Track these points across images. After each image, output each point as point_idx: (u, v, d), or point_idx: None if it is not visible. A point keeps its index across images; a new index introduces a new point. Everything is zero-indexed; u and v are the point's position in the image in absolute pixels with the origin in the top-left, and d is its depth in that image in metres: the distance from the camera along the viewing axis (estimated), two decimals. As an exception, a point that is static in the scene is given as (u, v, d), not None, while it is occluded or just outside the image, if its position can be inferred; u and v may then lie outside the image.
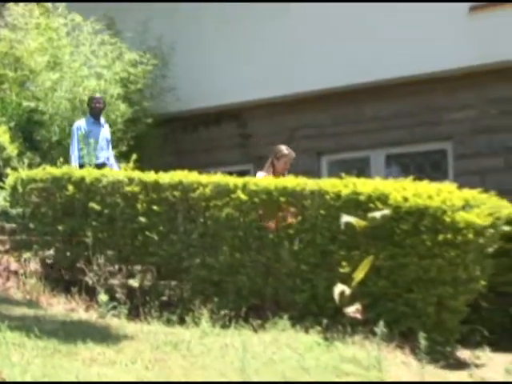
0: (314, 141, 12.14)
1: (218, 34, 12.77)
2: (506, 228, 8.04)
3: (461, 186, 7.93)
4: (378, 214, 7.42)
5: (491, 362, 7.53)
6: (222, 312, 7.89)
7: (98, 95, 11.31)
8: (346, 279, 7.08)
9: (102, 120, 11.19)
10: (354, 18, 11.46)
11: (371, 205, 7.68)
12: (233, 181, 8.62)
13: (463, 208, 7.53)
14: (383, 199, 7.69)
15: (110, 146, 11.32)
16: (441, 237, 7.43)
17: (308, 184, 8.28)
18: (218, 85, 12.62)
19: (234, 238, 8.43)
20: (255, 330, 7.56)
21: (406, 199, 7.62)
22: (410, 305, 7.53)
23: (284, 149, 9.99)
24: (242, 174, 9.61)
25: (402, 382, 5.69)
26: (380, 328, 6.62)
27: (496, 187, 8.57)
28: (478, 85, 10.73)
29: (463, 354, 7.71)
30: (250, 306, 8.18)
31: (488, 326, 8.00)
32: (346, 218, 7.47)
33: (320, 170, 11.98)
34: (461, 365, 7.40)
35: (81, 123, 11.11)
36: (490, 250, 7.72)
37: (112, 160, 11.28)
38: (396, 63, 11.02)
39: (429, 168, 11.18)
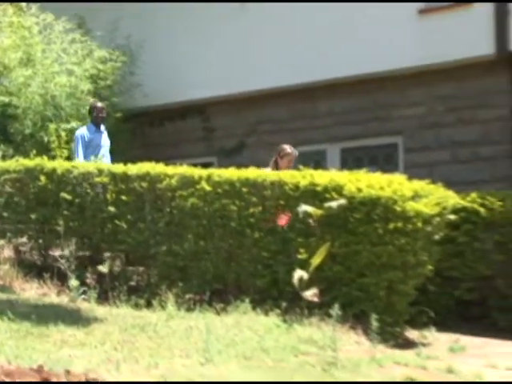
0: (274, 135, 12.12)
1: (183, 34, 12.70)
2: (452, 217, 8.12)
3: (410, 178, 7.99)
4: (333, 204, 7.44)
5: (437, 342, 7.62)
6: (187, 296, 7.88)
7: (100, 104, 10.53)
8: (304, 265, 7.07)
9: (102, 127, 10.48)
10: (309, 19, 11.45)
11: (327, 195, 7.71)
12: (197, 172, 8.61)
13: (412, 198, 7.58)
14: (338, 190, 7.72)
15: (108, 152, 10.62)
16: (392, 225, 7.48)
17: (268, 175, 8.29)
18: (183, 81, 12.57)
19: (198, 226, 8.42)
20: (218, 313, 7.56)
21: (359, 190, 7.66)
22: (363, 289, 7.58)
23: (287, 148, 9.75)
24: (206, 165, 9.57)
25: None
26: (335, 310, 6.63)
27: (443, 179, 8.64)
28: (425, 83, 10.79)
29: (411, 333, 7.78)
30: (214, 291, 8.18)
31: (434, 307, 8.09)
32: (304, 208, 7.49)
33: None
34: (409, 344, 7.47)
35: (83, 131, 10.30)
36: (437, 237, 7.80)
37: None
38: (350, 62, 11.04)
39: (381, 160, 11.23)
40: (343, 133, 11.52)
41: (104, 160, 10.01)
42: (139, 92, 12.50)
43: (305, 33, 11.50)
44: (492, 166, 10.28)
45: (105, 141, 10.42)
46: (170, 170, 8.79)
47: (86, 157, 10.00)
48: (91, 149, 10.12)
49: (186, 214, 8.48)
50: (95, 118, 10.34)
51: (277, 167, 9.46)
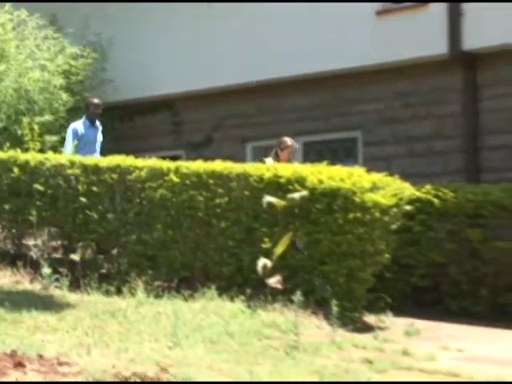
0: (240, 129, 12.13)
1: (152, 32, 12.64)
2: (408, 207, 8.18)
3: (369, 170, 8.03)
4: (296, 195, 7.47)
5: (393, 326, 7.67)
6: (156, 283, 7.87)
7: (97, 101, 10.28)
8: (268, 253, 7.10)
9: (98, 123, 10.29)
10: (275, 18, 11.44)
11: (290, 187, 7.73)
12: (166, 164, 8.59)
13: (371, 190, 7.62)
14: (301, 182, 7.74)
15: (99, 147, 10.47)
16: (351, 215, 7.52)
17: (234, 168, 8.29)
18: (152, 77, 12.52)
19: (166, 216, 8.40)
20: (186, 300, 7.55)
21: (321, 182, 7.68)
22: (324, 276, 7.60)
23: (288, 140, 9.60)
24: (174, 158, 9.56)
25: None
26: (297, 297, 6.66)
27: (399, 171, 8.69)
28: (384, 81, 10.84)
29: (369, 318, 7.82)
30: (181, 278, 8.17)
31: (391, 293, 8.14)
32: (268, 199, 7.50)
33: (245, 156, 11.98)
34: (367, 328, 7.51)
35: (77, 126, 10.14)
36: (394, 226, 7.85)
37: None
38: (313, 60, 11.06)
39: (341, 154, 11.27)
40: (306, 127, 11.55)
41: (95, 155, 9.84)
42: (110, 87, 12.43)
43: (271, 31, 11.49)
44: (445, 159, 10.36)
45: (98, 136, 10.31)
46: (140, 162, 8.76)
47: (78, 151, 9.79)
48: (84, 143, 9.97)
49: (154, 204, 8.46)
50: (91, 114, 10.16)
51: (277, 159, 9.37)
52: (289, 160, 9.35)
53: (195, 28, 12.20)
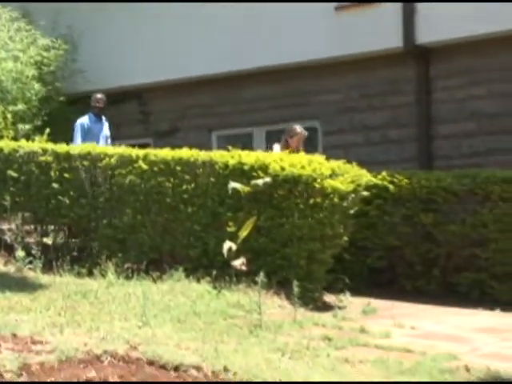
0: (205, 118, 12.09)
1: (121, 24, 12.52)
2: (365, 193, 8.21)
3: (328, 158, 8.05)
4: (259, 182, 7.47)
5: (351, 305, 7.71)
6: (126, 265, 7.83)
7: (100, 95, 10.10)
8: (233, 237, 7.11)
9: (104, 118, 10.10)
10: (236, 13, 11.39)
11: (254, 173, 7.72)
12: (135, 152, 8.55)
13: (330, 176, 7.64)
14: (264, 169, 7.73)
15: (109, 141, 10.18)
16: (312, 201, 7.53)
17: (200, 155, 8.27)
18: (122, 68, 12.41)
19: (136, 201, 8.37)
20: (154, 281, 7.53)
21: (283, 169, 7.68)
22: (286, 258, 7.62)
23: (297, 128, 9.40)
24: (143, 146, 9.48)
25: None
26: (260, 278, 6.65)
27: (356, 159, 8.72)
28: (341, 72, 10.85)
29: (329, 298, 7.87)
30: (150, 260, 8.15)
31: (349, 274, 8.19)
32: (232, 185, 7.50)
33: (210, 144, 11.94)
34: (327, 307, 7.55)
35: (84, 120, 9.99)
36: (352, 211, 7.88)
37: None
38: (274, 53, 11.03)
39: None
40: (268, 117, 11.54)
41: None
42: (81, 78, 12.30)
43: (232, 26, 11.44)
44: (399, 147, 10.42)
45: (105, 131, 10.10)
46: (110, 150, 8.75)
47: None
48: (90, 137, 9.75)
49: (124, 190, 8.42)
50: (94, 108, 10.02)
51: (287, 147, 9.17)
52: (298, 147, 9.13)
53: (161, 23, 12.10)
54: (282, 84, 11.36)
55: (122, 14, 12.56)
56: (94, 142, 9.37)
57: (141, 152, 8.53)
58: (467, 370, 5.10)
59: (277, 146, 9.24)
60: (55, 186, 8.67)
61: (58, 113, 12.27)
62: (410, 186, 8.83)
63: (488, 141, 9.63)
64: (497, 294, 8.15)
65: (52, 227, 8.81)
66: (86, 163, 8.61)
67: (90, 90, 12.49)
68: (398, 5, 10.19)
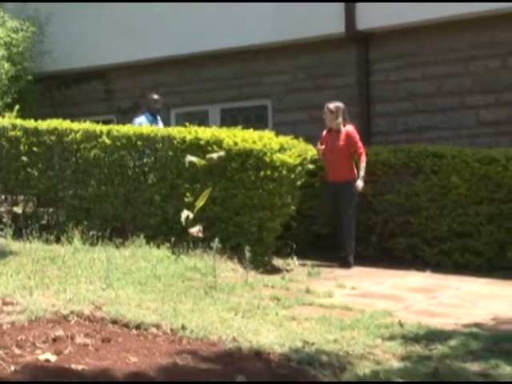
0: (165, 97, 11.90)
1: (86, 8, 12.26)
2: (311, 166, 8.25)
3: (277, 134, 8.05)
4: (214, 155, 7.46)
5: (298, 268, 7.78)
6: (91, 233, 7.76)
7: (156, 96, 9.55)
8: (190, 206, 7.10)
9: (158, 117, 9.56)
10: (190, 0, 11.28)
11: (209, 148, 7.70)
12: (99, 128, 8.47)
13: (279, 151, 7.66)
14: (218, 143, 7.72)
15: None
16: (262, 173, 7.55)
17: (160, 131, 8.23)
18: (86, 49, 12.18)
19: (100, 174, 8.30)
20: (117, 247, 7.50)
21: (235, 143, 7.67)
22: (238, 226, 7.64)
23: (326, 105, 8.51)
24: (106, 122, 9.37)
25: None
26: (215, 244, 6.68)
27: (303, 135, 8.73)
28: (290, 55, 10.82)
29: (278, 262, 7.91)
30: (113, 228, 8.10)
31: (296, 240, 8.23)
32: (189, 158, 7.48)
33: (169, 121, 11.85)
34: (275, 270, 7.60)
35: (142, 120, 9.28)
36: (299, 183, 7.91)
37: None
38: (229, 36, 10.93)
39: (253, 119, 11.25)
40: (223, 96, 11.47)
41: None
42: (48, 58, 12.05)
43: (192, 11, 11.29)
44: (343, 124, 10.45)
45: None
46: (76, 125, 8.62)
47: None
48: None
49: (89, 163, 8.34)
50: (151, 109, 9.45)
51: (330, 128, 8.47)
52: (331, 123, 8.39)
53: (124, 7, 11.89)
54: (237, 65, 11.30)
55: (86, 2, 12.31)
56: None
57: (104, 128, 8.45)
58: (401, 325, 5.19)
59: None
60: (24, 159, 8.56)
61: (26, 91, 12.05)
62: (351, 159, 8.89)
63: (421, 119, 9.73)
64: (427, 257, 8.29)
65: (22, 197, 8.70)
66: (53, 138, 8.50)
67: (57, 69, 12.35)
68: (342, -6, 10.17)
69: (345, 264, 8.11)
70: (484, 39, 9.52)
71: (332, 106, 8.39)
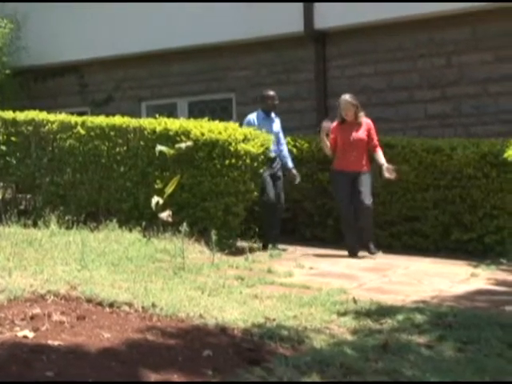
0: (136, 90, 11.87)
1: (61, 7, 12.08)
2: (272, 155, 8.25)
3: (241, 125, 8.04)
4: (182, 145, 7.43)
5: (260, 250, 7.79)
6: (66, 217, 7.70)
7: (272, 92, 8.39)
8: (160, 193, 7.06)
9: (273, 114, 8.43)
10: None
11: (178, 138, 7.68)
12: (74, 119, 8.41)
13: (243, 141, 7.65)
14: (186, 134, 7.69)
15: (283, 138, 8.48)
16: (227, 161, 7.54)
17: (131, 122, 8.17)
18: (61, 45, 12.01)
19: (75, 162, 8.24)
20: (92, 231, 7.44)
21: (202, 134, 7.66)
22: (205, 211, 7.63)
23: (342, 96, 7.94)
24: (81, 114, 9.29)
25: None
26: (184, 228, 6.66)
27: (266, 126, 8.73)
28: (253, 52, 10.79)
29: (242, 244, 7.92)
30: (88, 213, 8.05)
31: (259, 224, 8.25)
32: (159, 148, 7.44)
33: (140, 113, 11.76)
34: (240, 252, 7.59)
35: (253, 117, 8.33)
36: (261, 170, 7.91)
37: (285, 151, 8.46)
38: (197, 33, 10.88)
39: (219, 111, 11.22)
40: (190, 89, 11.42)
41: (273, 147, 8.08)
42: (25, 53, 11.86)
43: (162, 9, 11.18)
44: (301, 117, 10.48)
45: (275, 127, 8.37)
46: (52, 117, 8.55)
47: None
48: None
49: (65, 152, 8.28)
50: (267, 106, 8.32)
51: (343, 121, 7.87)
52: (350, 117, 7.80)
53: (98, 6, 11.74)
54: (204, 61, 11.25)
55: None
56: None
57: (79, 119, 8.38)
58: (355, 301, 5.24)
59: (327, 123, 8.02)
60: (3, 148, 8.47)
61: (4, 84, 11.86)
62: (309, 149, 8.93)
63: (374, 112, 9.74)
64: (379, 239, 8.35)
65: (1, 184, 8.58)
66: (30, 128, 8.42)
67: (34, 64, 12.17)
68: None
69: (368, 250, 7.71)
70: (430, 38, 9.61)
71: (352, 98, 7.83)
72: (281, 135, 8.44)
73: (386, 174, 7.72)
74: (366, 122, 7.89)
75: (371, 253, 7.70)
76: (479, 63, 9.32)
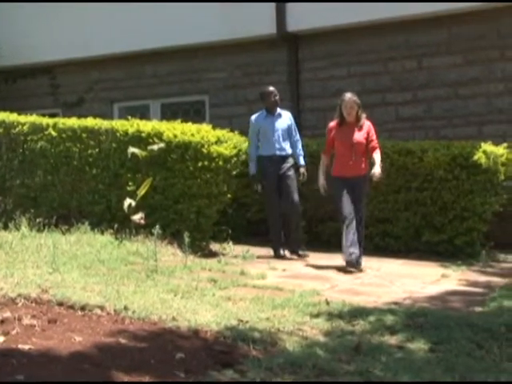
0: (108, 91, 11.80)
1: (33, 7, 11.98)
2: (245, 156, 8.26)
3: (214, 127, 8.04)
4: (155, 147, 7.40)
5: (233, 252, 7.79)
6: (38, 220, 7.62)
7: (271, 88, 7.94)
8: (132, 195, 7.03)
9: (278, 111, 7.92)
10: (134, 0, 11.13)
11: (150, 140, 7.65)
12: (45, 121, 8.33)
13: (216, 143, 7.65)
14: (159, 136, 7.67)
15: (295, 134, 7.98)
16: (200, 164, 7.53)
17: (103, 124, 8.12)
18: (33, 46, 11.88)
19: (46, 164, 8.16)
20: (63, 233, 7.38)
21: (175, 136, 7.64)
22: (178, 213, 7.62)
23: (344, 94, 7.25)
24: (52, 115, 9.20)
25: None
26: (156, 230, 6.65)
27: (239, 128, 8.76)
28: (227, 54, 10.79)
29: (214, 246, 7.91)
30: (59, 215, 7.96)
31: (232, 226, 8.26)
32: (132, 150, 7.39)
33: (113, 114, 11.69)
34: (213, 254, 7.60)
35: (254, 117, 7.96)
36: (234, 172, 7.92)
37: (297, 148, 7.99)
38: (170, 35, 10.85)
39: (192, 113, 11.20)
40: (163, 91, 11.38)
41: (277, 145, 7.79)
42: (-4, 54, 11.75)
43: (137, 10, 11.13)
44: (275, 118, 10.50)
45: (281, 124, 7.87)
46: (23, 118, 8.45)
47: (255, 143, 7.92)
48: (262, 134, 7.84)
49: (36, 154, 8.19)
50: (267, 103, 7.89)
51: (342, 120, 7.19)
52: (351, 116, 7.13)
53: (70, 6, 11.66)
54: (177, 62, 11.22)
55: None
56: (268, 137, 7.81)
57: (50, 121, 8.30)
58: (327, 303, 5.27)
59: (331, 123, 7.37)
60: (-27, 150, 8.33)
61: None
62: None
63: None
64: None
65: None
66: (0, 130, 8.31)
67: (4, 65, 12.05)
68: (273, -3, 10.21)
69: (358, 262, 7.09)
70: (401, 41, 9.70)
71: (355, 97, 7.15)
72: (292, 132, 7.94)
73: (376, 174, 7.07)
74: (367, 124, 7.26)
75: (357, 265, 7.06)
76: (450, 66, 9.44)
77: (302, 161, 8.02)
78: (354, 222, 7.06)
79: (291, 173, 7.83)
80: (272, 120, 7.89)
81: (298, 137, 8.07)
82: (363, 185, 7.22)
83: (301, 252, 7.80)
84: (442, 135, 9.33)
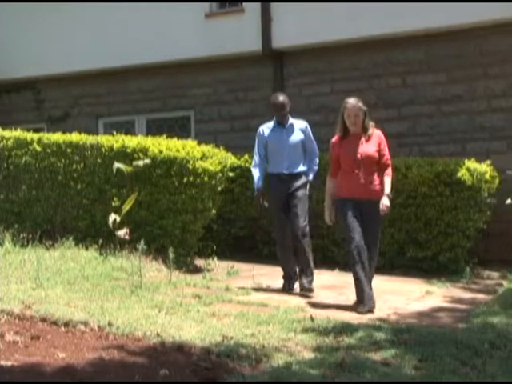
0: (93, 107, 11.78)
1: (16, 24, 11.95)
2: (230, 173, 8.29)
3: (199, 143, 8.05)
4: (140, 162, 7.38)
5: (218, 268, 7.79)
6: (22, 235, 7.58)
7: (281, 98, 6.78)
8: (117, 210, 7.00)
9: (290, 122, 6.81)
10: (124, 16, 11.12)
11: (136, 155, 7.65)
12: (30, 136, 8.30)
13: (201, 158, 7.67)
14: (144, 151, 7.67)
15: (310, 149, 6.86)
16: (185, 179, 7.54)
17: (88, 139, 8.11)
18: (17, 62, 11.86)
19: (31, 179, 8.13)
20: (47, 249, 7.34)
21: (160, 151, 7.64)
22: (163, 228, 7.60)
23: (346, 100, 5.98)
24: (37, 130, 9.17)
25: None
26: (141, 245, 6.62)
27: (224, 144, 8.79)
28: (212, 70, 10.83)
29: (199, 262, 7.90)
30: (44, 231, 7.93)
31: (217, 242, 8.26)
32: (117, 165, 7.37)
33: (98, 130, 11.67)
34: (197, 270, 7.59)
35: (262, 127, 6.95)
36: (219, 188, 7.93)
37: (311, 163, 6.89)
38: (156, 51, 10.87)
39: (177, 129, 11.20)
40: (149, 107, 11.39)
41: (286, 163, 6.70)
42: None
43: (120, 26, 11.17)
44: (260, 135, 10.53)
45: (293, 138, 6.77)
46: (7, 133, 8.42)
47: (263, 154, 6.82)
48: (270, 149, 6.79)
49: (20, 169, 8.16)
50: (276, 116, 6.83)
51: (345, 128, 6.01)
52: (354, 125, 5.94)
53: (54, 21, 11.66)
54: (162, 78, 11.24)
55: (17, 16, 11.97)
56: (276, 153, 6.75)
57: (35, 136, 8.28)
58: (312, 319, 5.26)
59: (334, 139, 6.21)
60: (-44, 164, 8.27)
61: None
62: (267, 167, 8.94)
63: (331, 131, 9.76)
64: (336, 257, 8.43)
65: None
66: (-16, 145, 8.25)
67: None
68: (258, 14, 10.26)
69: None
70: (386, 59, 9.78)
71: (360, 103, 5.97)
72: (306, 144, 6.82)
73: (384, 205, 5.86)
74: (376, 133, 6.06)
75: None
76: (433, 84, 9.52)
77: (310, 176, 6.85)
78: (366, 253, 5.89)
79: (300, 193, 6.67)
80: (281, 133, 6.77)
81: (313, 149, 6.89)
82: (378, 215, 5.90)
83: (307, 286, 6.63)
84: (426, 152, 9.39)
